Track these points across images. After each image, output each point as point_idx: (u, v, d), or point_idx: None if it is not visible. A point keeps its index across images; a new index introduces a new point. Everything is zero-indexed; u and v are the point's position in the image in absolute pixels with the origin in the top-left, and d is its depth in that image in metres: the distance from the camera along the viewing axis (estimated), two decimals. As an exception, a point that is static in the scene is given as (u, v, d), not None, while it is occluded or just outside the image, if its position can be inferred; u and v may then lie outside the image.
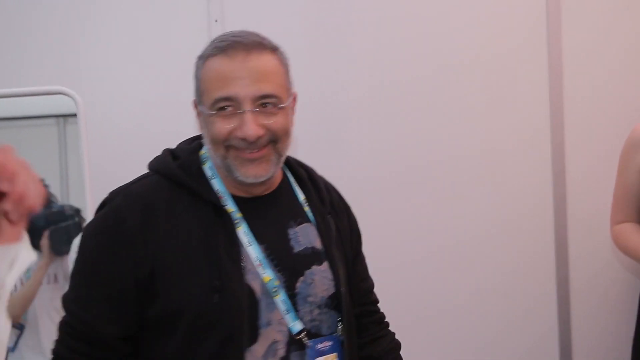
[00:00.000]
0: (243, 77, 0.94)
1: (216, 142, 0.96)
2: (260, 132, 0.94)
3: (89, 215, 1.61)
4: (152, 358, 0.97)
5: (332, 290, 1.03)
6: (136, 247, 0.93)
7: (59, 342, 0.96)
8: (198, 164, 1.03)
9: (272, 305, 0.97)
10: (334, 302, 1.04)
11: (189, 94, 1.04)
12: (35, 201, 0.54)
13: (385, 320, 1.22)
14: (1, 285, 0.56)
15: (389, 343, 1.18)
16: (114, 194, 0.99)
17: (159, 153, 1.06)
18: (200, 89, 0.99)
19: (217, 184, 1.00)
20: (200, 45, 1.04)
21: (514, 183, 1.94)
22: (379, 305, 1.22)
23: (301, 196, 1.09)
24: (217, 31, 1.75)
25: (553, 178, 1.91)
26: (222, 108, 0.95)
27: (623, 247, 1.63)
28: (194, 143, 1.07)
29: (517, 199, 1.94)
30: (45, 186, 1.05)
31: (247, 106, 0.94)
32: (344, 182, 1.28)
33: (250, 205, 1.02)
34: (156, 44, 1.90)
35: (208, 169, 1.02)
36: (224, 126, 0.95)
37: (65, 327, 0.95)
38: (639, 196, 1.59)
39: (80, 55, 1.89)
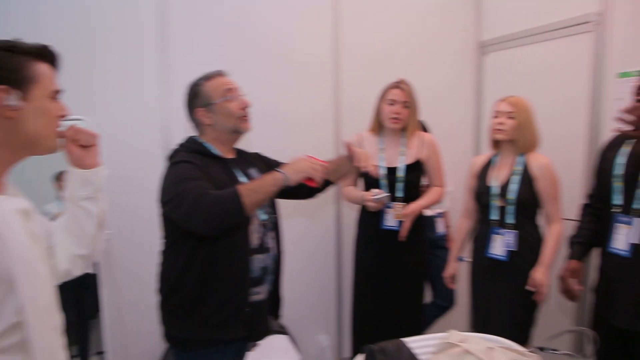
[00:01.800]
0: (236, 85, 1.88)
1: (234, 116, 1.82)
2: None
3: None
4: None
5: None
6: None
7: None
8: (201, 144, 1.84)
9: None
10: None
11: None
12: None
13: None
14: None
15: None
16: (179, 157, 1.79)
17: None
18: (208, 96, 1.82)
19: (214, 150, 1.83)
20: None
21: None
22: None
23: (245, 157, 1.96)
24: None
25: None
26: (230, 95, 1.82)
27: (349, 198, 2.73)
28: (189, 140, 1.86)
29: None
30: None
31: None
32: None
33: (232, 161, 1.87)
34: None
35: (206, 144, 1.84)
36: (236, 104, 1.82)
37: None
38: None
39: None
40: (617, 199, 1.95)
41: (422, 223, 2.75)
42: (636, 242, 1.87)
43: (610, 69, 2.57)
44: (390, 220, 2.63)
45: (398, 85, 2.63)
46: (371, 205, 2.54)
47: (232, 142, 1.89)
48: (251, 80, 2.01)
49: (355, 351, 2.74)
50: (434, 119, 2.91)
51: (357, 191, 2.71)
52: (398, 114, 2.60)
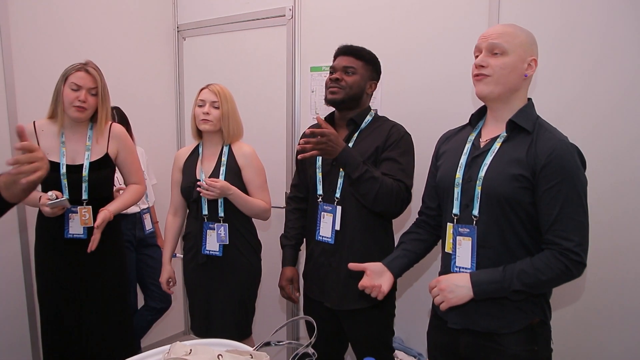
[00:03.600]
0: None
1: None
2: None
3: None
4: None
5: None
6: None
7: None
8: None
9: None
10: None
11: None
12: None
13: None
14: None
15: None
16: None
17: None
18: None
19: None
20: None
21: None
22: None
23: None
24: None
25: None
26: None
27: None
28: None
29: None
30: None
31: None
32: None
33: None
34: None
35: None
36: None
37: None
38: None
39: None
40: (320, 189, 2.09)
41: (118, 224, 2.47)
42: (338, 229, 2.04)
43: (305, 62, 2.75)
44: (74, 228, 2.27)
45: (83, 67, 2.24)
46: (47, 210, 2.15)
47: None
48: None
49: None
50: (132, 107, 2.66)
51: (36, 192, 2.23)
52: (83, 101, 2.22)
